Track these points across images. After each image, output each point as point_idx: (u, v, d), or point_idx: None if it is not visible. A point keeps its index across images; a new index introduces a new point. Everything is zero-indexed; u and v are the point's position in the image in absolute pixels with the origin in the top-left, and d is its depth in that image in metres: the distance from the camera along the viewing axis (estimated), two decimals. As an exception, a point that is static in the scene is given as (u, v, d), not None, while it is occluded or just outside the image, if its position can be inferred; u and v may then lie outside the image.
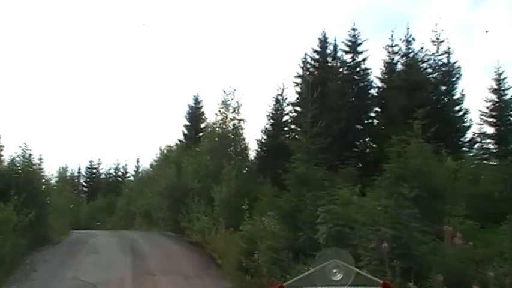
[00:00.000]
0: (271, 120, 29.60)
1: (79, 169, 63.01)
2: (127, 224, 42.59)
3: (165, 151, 39.25)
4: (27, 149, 22.17)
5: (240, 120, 29.14)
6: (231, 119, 29.14)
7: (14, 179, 20.66)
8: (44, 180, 24.86)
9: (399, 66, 25.10)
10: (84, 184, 62.92)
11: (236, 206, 21.33)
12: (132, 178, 57.81)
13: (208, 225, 22.95)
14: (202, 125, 41.88)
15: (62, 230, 28.10)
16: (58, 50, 78.32)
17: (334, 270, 3.13)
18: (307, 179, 14.07)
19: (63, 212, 31.94)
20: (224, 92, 29.52)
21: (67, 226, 32.15)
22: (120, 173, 61.77)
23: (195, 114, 42.30)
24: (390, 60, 25.27)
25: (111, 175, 61.89)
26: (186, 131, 42.15)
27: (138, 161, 56.47)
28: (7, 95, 73.45)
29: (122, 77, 79.52)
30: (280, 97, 29.68)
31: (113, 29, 78.06)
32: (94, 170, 62.62)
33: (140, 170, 54.45)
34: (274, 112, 29.79)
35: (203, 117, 42.17)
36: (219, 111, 29.47)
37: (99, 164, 62.75)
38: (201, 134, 40.73)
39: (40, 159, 24.00)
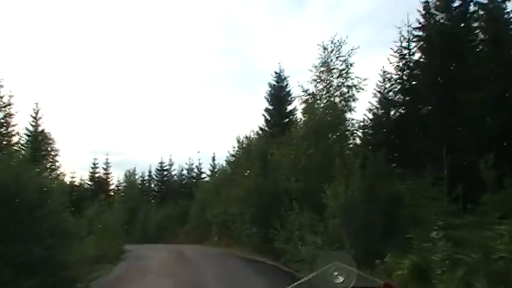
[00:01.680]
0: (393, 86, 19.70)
1: (149, 172, 56.34)
2: (201, 235, 34.66)
3: (244, 143, 30.64)
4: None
5: (351, 87, 19.69)
6: (337, 85, 19.75)
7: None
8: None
9: None
10: (155, 189, 56.02)
11: (371, 219, 12.17)
12: (208, 179, 49.93)
13: (322, 249, 13.84)
14: (289, 108, 32.80)
15: (107, 255, 20.16)
16: (120, 47, 72.46)
17: (336, 273, 2.97)
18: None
19: (112, 232, 24.14)
20: (324, 48, 20.17)
21: (119, 246, 24.49)
22: (194, 174, 54.06)
23: (279, 94, 33.20)
24: None
25: (184, 177, 54.39)
26: (268, 116, 33.20)
27: (213, 159, 48.41)
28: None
29: (187, 63, 71.84)
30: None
31: (173, 18, 71.66)
32: (165, 172, 55.44)
33: (217, 169, 46.17)
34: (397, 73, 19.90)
35: (289, 98, 33.05)
36: (319, 76, 20.14)
37: (170, 164, 55.44)
38: (287, 119, 31.82)
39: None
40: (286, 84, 33.12)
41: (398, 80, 18.67)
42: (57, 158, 36.39)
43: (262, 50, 65.26)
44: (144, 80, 75.07)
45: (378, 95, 18.84)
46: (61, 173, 46.54)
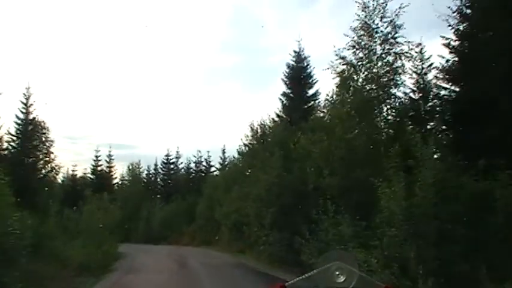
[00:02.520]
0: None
1: (155, 165, 52.27)
2: (209, 236, 30.72)
3: (259, 131, 26.43)
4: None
5: (400, 55, 15.32)
6: (382, 53, 15.42)
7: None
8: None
9: None
10: (161, 183, 51.99)
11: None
12: (217, 174, 45.84)
13: (381, 272, 9.66)
14: (311, 91, 28.51)
15: (93, 265, 16.23)
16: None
17: (337, 273, 2.93)
18: None
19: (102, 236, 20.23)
20: (364, 6, 15.78)
21: (112, 250, 20.63)
22: (202, 168, 49.84)
23: (298, 76, 28.83)
24: None
25: (192, 170, 50.16)
26: (286, 101, 28.90)
27: (223, 152, 44.16)
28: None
29: (195, 57, 68.48)
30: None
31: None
32: (172, 165, 51.30)
33: (227, 162, 41.90)
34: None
35: (311, 80, 28.74)
36: (357, 43, 15.77)
37: (177, 157, 51.14)
38: (309, 103, 27.50)
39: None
40: (307, 65, 28.74)
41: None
42: (52, 150, 32.45)
43: (273, 43, 61.48)
44: (152, 74, 72.00)
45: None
46: (57, 165, 42.88)
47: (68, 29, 69.16)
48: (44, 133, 33.01)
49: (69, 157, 74.03)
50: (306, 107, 27.02)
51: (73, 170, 59.31)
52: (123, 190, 45.96)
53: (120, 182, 50.94)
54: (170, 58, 70.56)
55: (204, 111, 71.12)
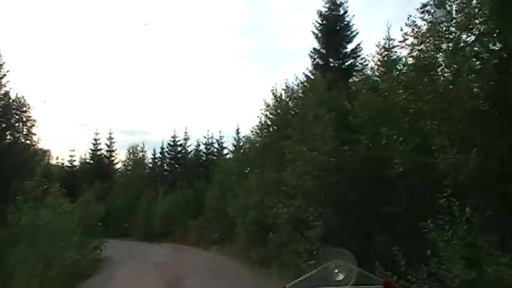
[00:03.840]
0: None
1: (162, 149, 45.47)
2: (222, 235, 24.12)
3: (284, 96, 19.66)
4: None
5: None
6: None
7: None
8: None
9: None
10: (167, 168, 45.33)
11: None
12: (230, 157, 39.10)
13: None
14: (350, 46, 21.39)
15: None
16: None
17: (336, 270, 2.94)
18: None
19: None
20: None
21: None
22: (214, 150, 42.98)
23: (333, 27, 21.64)
24: None
25: (202, 153, 43.31)
26: (318, 59, 21.75)
27: (237, 132, 37.24)
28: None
29: (208, 39, 63.00)
30: None
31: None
32: (179, 148, 44.50)
33: (243, 143, 34.79)
34: None
35: (349, 32, 21.58)
36: None
37: (186, 139, 44.23)
38: (348, 61, 20.51)
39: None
40: (344, 13, 21.68)
41: None
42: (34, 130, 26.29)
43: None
44: (163, 57, 68.41)
45: None
46: (41, 149, 36.57)
47: (79, 12, 66.23)
48: (24, 111, 26.44)
49: (85, 144, 68.72)
50: (344, 66, 20.18)
51: (70, 156, 53.85)
52: (123, 177, 39.72)
53: (122, 168, 44.51)
54: (183, 41, 65.74)
55: (215, 95, 66.64)
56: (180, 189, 33.39)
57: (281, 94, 20.52)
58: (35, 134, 27.16)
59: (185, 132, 43.48)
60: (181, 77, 68.55)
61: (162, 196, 33.61)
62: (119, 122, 78.24)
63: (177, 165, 44.18)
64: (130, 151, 41.34)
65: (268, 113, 21.18)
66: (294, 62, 54.35)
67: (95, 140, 48.91)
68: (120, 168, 44.51)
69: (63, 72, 62.40)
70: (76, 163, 50.44)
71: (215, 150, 43.00)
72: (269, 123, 19.82)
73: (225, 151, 42.19)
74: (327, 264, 2.92)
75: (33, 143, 28.12)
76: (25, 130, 27.10)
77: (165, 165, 45.57)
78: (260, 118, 21.47)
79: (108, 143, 48.45)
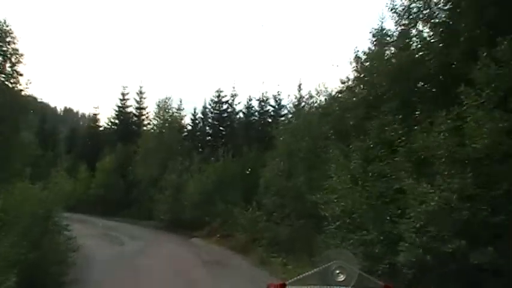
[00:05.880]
0: None
1: (204, 108, 35.22)
2: (300, 236, 13.64)
3: None
4: None
5: None
6: None
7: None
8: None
9: None
10: (209, 131, 35.11)
11: None
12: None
13: None
14: None
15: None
16: None
17: (337, 271, 2.96)
18: None
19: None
20: None
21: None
22: (269, 108, 32.39)
23: None
24: None
25: (254, 110, 32.88)
26: None
27: (299, 88, 26.27)
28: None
29: None
30: None
31: None
32: (225, 106, 34.08)
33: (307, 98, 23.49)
34: None
35: None
36: None
37: (234, 95, 33.80)
38: None
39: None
40: None
41: None
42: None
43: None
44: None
45: None
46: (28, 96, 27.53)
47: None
48: (8, 42, 20.11)
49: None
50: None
51: (94, 115, 44.98)
52: (148, 139, 29.90)
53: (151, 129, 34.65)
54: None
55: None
56: (224, 159, 23.08)
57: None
58: (21, 75, 19.84)
59: (233, 87, 32.99)
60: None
61: (198, 167, 23.41)
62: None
63: (221, 128, 34.08)
64: (160, 106, 31.14)
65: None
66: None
67: (123, 94, 39.84)
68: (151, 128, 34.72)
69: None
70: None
71: (271, 109, 32.66)
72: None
73: (284, 111, 32.05)
74: (329, 265, 2.92)
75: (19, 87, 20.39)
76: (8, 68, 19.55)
77: (207, 127, 35.53)
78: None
79: (138, 99, 39.19)
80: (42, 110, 60.88)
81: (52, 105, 69.89)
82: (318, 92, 17.09)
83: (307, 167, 14.34)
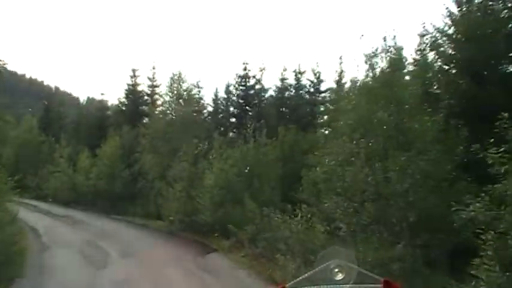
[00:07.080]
0: None
1: (228, 86, 29.41)
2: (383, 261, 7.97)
3: None
4: None
5: None
6: None
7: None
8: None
9: None
10: (234, 111, 29.18)
11: None
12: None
13: None
14: None
15: None
16: None
17: (336, 270, 2.90)
18: None
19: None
20: None
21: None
22: (306, 86, 26.58)
23: None
24: None
25: (286, 84, 26.93)
26: None
27: (340, 61, 19.94)
28: None
29: None
30: None
31: None
32: (252, 81, 28.16)
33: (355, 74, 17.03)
34: None
35: None
36: None
37: (262, 69, 27.90)
38: None
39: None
40: None
41: None
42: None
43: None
44: None
45: None
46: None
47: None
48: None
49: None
50: None
51: (102, 94, 39.71)
52: (156, 120, 24.06)
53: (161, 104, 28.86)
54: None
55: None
56: (255, 141, 17.09)
57: None
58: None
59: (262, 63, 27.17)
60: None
61: (219, 153, 17.46)
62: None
63: (247, 108, 28.15)
64: (174, 79, 25.05)
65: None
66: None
67: (133, 71, 34.17)
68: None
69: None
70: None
71: (308, 84, 26.97)
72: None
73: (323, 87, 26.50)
74: (327, 264, 2.86)
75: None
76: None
77: (231, 108, 29.65)
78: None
79: (151, 76, 33.38)
80: (48, 96, 56.17)
81: (61, 89, 65.13)
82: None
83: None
